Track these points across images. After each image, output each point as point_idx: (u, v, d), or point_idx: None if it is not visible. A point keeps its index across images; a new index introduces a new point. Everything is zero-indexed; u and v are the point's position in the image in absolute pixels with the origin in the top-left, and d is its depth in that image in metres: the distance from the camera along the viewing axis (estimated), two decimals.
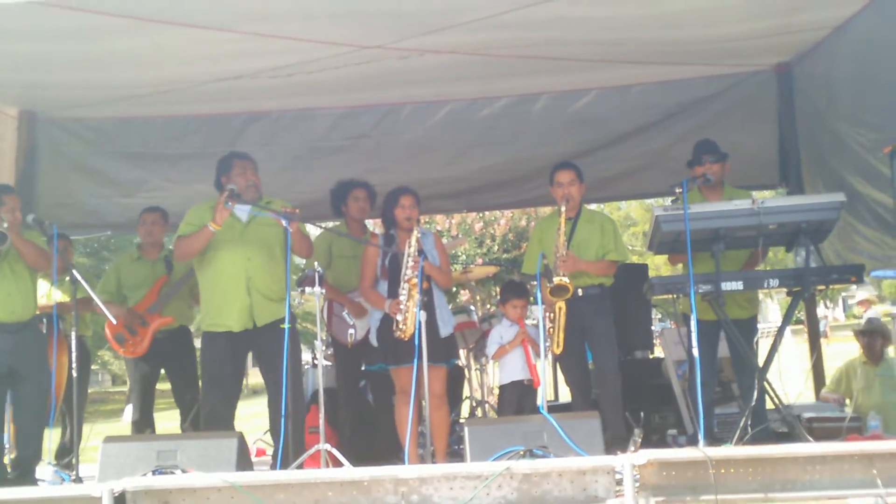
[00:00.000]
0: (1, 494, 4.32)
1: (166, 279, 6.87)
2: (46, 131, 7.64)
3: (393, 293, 5.72)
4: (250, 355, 6.21)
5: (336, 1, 5.34)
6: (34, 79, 6.48)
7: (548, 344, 5.75)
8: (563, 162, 6.28)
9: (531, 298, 6.29)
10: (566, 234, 5.90)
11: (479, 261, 16.81)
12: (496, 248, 18.17)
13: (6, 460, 5.95)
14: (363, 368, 6.44)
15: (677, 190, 5.11)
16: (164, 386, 7.13)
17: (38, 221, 5.88)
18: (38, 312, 6.66)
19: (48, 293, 6.76)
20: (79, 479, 5.38)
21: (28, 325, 5.95)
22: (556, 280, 5.63)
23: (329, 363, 7.09)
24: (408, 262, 5.59)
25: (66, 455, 6.44)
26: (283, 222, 5.39)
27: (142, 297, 6.81)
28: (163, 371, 7.07)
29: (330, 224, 7.25)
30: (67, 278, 6.01)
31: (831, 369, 7.65)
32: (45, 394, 5.89)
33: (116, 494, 4.00)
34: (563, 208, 5.91)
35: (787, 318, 5.56)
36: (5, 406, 5.90)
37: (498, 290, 7.34)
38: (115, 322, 6.30)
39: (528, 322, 6.39)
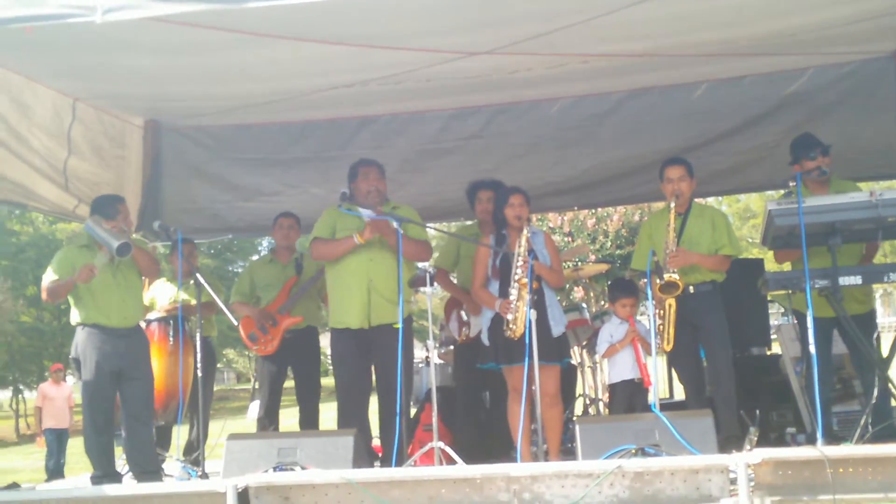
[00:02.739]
0: (130, 489, 4.57)
1: (296, 280, 7.08)
2: (170, 139, 7.94)
3: (504, 293, 5.76)
4: None
5: (444, 16, 5.41)
6: (156, 91, 6.76)
7: (658, 341, 5.71)
8: (673, 157, 6.22)
9: (641, 296, 6.24)
10: (676, 229, 5.85)
11: (592, 258, 16.68)
12: (609, 244, 17.99)
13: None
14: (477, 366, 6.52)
15: (791, 183, 5.01)
16: (288, 384, 7.35)
17: (163, 227, 6.15)
18: (164, 314, 7.00)
19: (175, 296, 7.07)
20: (205, 475, 5.62)
21: (136, 330, 6.22)
22: (666, 277, 5.59)
23: (442, 361, 7.20)
24: (517, 262, 5.63)
25: (194, 451, 6.70)
26: (395, 224, 5.57)
27: (273, 297, 7.04)
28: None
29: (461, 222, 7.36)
30: (192, 281, 6.27)
31: None
32: (150, 395, 6.17)
33: (240, 490, 4.19)
34: (672, 204, 5.86)
35: None
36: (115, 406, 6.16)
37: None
38: (236, 324, 6.56)
39: (639, 318, 6.35)
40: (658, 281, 5.57)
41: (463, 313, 6.76)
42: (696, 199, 6.22)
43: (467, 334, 6.65)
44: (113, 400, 6.08)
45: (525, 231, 5.72)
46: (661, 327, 5.74)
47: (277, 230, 7.32)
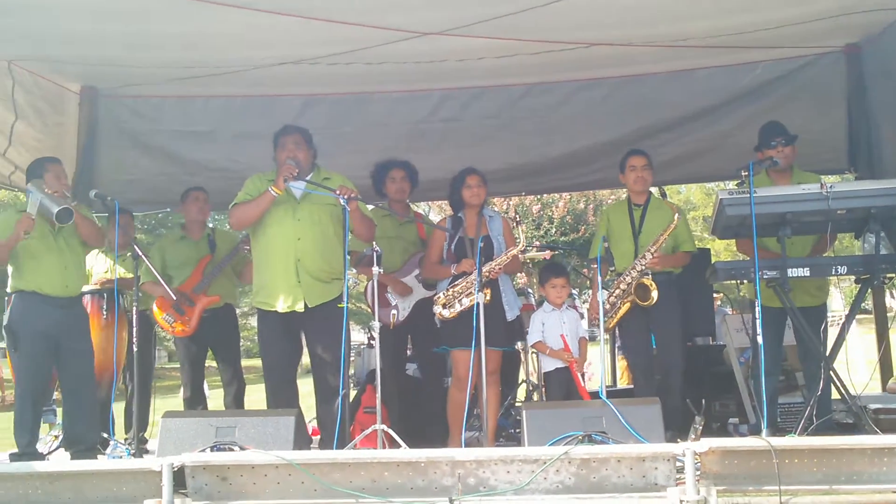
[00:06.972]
0: (62, 467, 4.39)
1: (210, 258, 6.83)
2: (108, 108, 7.67)
3: (457, 278, 5.77)
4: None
5: None
6: (94, 55, 6.51)
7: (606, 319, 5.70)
8: (634, 149, 6.24)
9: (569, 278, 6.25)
10: (638, 221, 5.96)
11: (537, 243, 16.71)
12: (554, 230, 18.06)
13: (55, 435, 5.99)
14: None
15: (743, 173, 4.99)
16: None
17: (100, 197, 5.89)
18: (98, 287, 6.75)
19: (111, 268, 6.83)
20: (139, 454, 5.44)
21: (76, 301, 5.98)
22: (644, 280, 5.70)
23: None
24: (498, 262, 5.68)
25: (129, 429, 6.49)
26: (342, 201, 5.36)
27: (186, 276, 6.77)
28: None
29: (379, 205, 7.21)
30: (129, 254, 6.06)
31: None
32: (91, 369, 5.92)
33: (175, 469, 4.04)
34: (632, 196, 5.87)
35: (855, 307, 5.40)
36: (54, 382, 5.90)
37: None
38: (175, 298, 6.35)
39: (578, 304, 6.31)
40: (610, 268, 5.56)
41: (389, 296, 6.58)
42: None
43: (395, 316, 6.48)
44: (49, 373, 5.86)
45: (518, 242, 5.75)
46: (614, 302, 5.80)
47: (192, 203, 7.01)
